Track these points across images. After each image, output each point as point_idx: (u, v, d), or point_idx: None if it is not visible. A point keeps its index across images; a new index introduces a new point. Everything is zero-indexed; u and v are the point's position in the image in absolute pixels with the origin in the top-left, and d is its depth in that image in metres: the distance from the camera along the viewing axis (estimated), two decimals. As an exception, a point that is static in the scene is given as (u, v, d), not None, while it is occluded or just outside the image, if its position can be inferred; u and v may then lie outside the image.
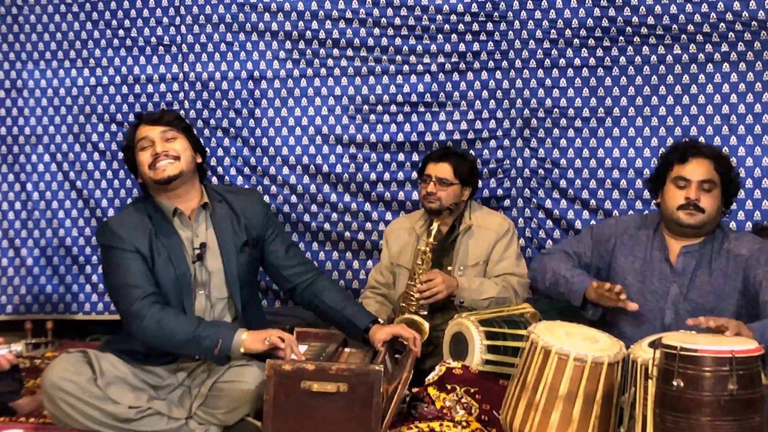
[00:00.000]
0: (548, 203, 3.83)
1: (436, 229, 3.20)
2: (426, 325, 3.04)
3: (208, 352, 2.44)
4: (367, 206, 3.99)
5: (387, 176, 3.96)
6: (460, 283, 3.15)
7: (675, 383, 1.93)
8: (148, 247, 2.54)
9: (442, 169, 3.31)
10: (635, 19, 3.66)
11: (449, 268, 3.27)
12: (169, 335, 2.45)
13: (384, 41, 3.90)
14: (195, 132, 2.79)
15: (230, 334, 2.44)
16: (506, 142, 3.85)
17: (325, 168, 4.00)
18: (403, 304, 3.16)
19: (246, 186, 4.04)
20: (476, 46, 3.83)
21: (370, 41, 3.92)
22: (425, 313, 3.11)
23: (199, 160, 2.70)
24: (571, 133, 3.78)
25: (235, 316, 2.65)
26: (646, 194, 3.65)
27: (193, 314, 2.57)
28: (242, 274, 2.65)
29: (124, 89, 4.13)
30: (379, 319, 2.73)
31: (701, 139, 3.57)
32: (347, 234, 4.01)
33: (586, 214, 3.78)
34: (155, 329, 2.45)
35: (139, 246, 2.54)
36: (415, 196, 3.91)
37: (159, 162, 2.56)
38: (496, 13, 3.80)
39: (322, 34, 3.96)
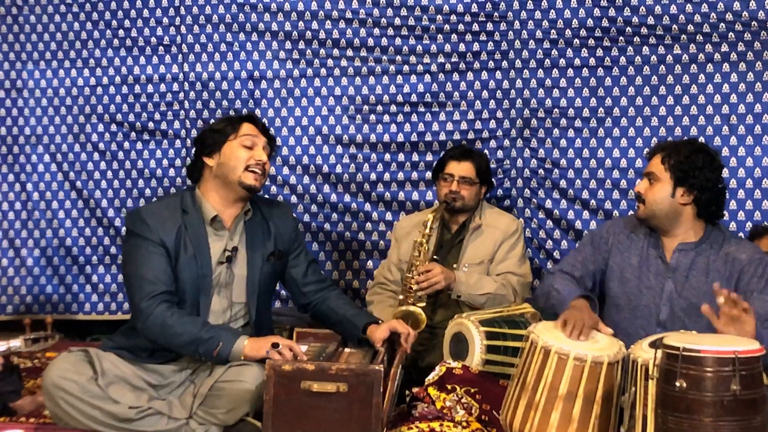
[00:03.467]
0: (548, 203, 3.83)
1: (431, 220, 3.21)
2: (423, 315, 3.04)
3: (208, 353, 2.45)
4: (367, 206, 3.99)
5: (387, 176, 3.96)
6: (457, 277, 3.14)
7: (678, 384, 1.92)
8: (175, 240, 2.54)
9: (465, 168, 3.30)
10: (635, 19, 3.67)
11: (455, 265, 3.27)
12: (171, 335, 2.46)
13: (384, 41, 3.91)
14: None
15: (231, 340, 2.44)
16: (506, 142, 3.85)
17: (325, 168, 4.00)
18: (401, 297, 3.16)
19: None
20: (476, 46, 3.83)
21: (370, 41, 3.92)
22: (423, 304, 3.11)
23: None
24: (571, 133, 3.78)
25: (248, 321, 2.67)
26: (647, 194, 3.67)
27: (206, 314, 2.57)
28: (263, 283, 2.68)
29: (124, 89, 4.14)
30: (380, 320, 2.73)
31: (701, 139, 3.57)
32: (347, 234, 4.01)
33: (586, 214, 3.78)
34: (159, 328, 2.46)
35: (165, 239, 2.53)
36: (415, 196, 3.91)
37: (255, 169, 2.58)
38: (496, 13, 3.80)
39: (322, 34, 3.96)
